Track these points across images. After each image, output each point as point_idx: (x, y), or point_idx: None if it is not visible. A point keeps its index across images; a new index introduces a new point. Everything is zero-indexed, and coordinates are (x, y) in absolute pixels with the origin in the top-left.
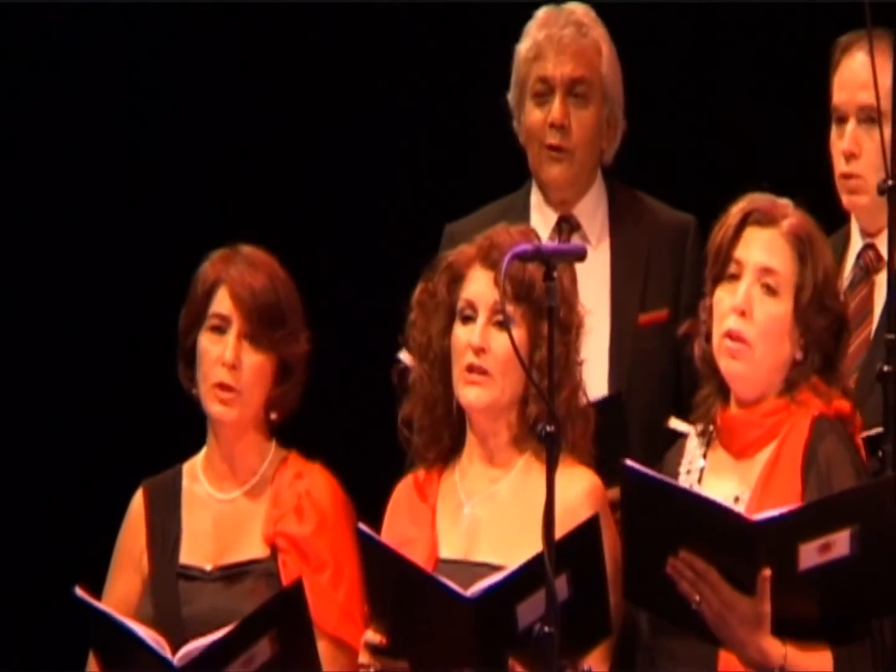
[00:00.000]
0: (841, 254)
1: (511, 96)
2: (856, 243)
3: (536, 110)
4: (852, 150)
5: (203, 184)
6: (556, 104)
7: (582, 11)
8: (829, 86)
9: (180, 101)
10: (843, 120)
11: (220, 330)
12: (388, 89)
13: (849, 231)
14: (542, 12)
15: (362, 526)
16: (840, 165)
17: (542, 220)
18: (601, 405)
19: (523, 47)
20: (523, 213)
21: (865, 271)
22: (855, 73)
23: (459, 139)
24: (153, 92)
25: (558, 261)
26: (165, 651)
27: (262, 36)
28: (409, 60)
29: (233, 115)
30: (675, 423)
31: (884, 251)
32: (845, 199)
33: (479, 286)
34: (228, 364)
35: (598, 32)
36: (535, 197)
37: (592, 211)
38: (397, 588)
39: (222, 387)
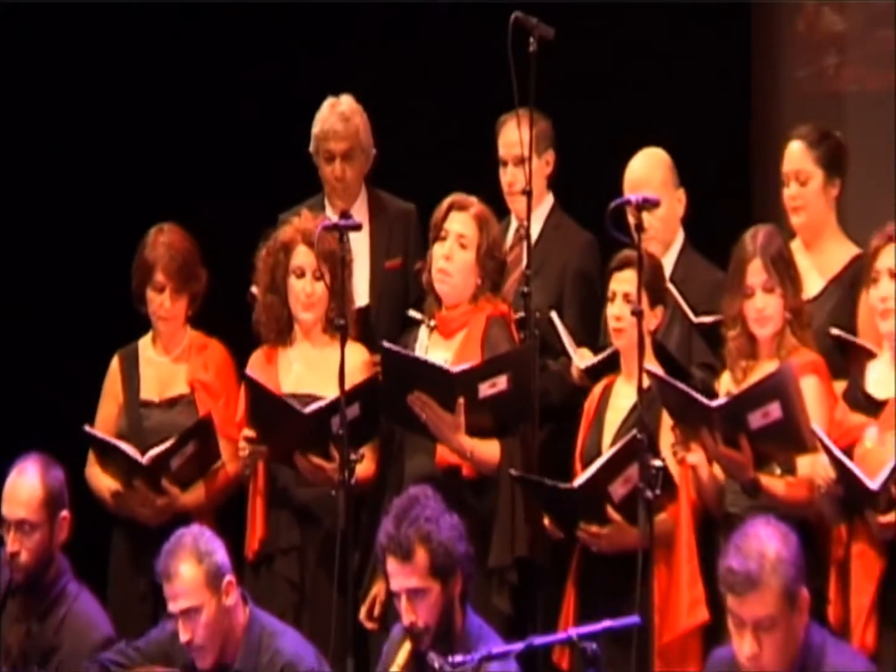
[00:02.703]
0: (506, 228)
1: (312, 151)
2: (514, 224)
3: (327, 166)
4: (512, 182)
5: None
6: (337, 166)
7: (348, 107)
8: (496, 143)
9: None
10: (504, 164)
11: (158, 290)
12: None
13: (510, 218)
14: (326, 108)
15: (248, 372)
16: (505, 188)
17: (331, 214)
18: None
19: (315, 131)
20: (322, 210)
21: (519, 239)
22: (509, 137)
23: (291, 163)
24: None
25: (346, 230)
26: (138, 455)
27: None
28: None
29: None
30: (413, 313)
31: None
32: (510, 205)
33: (302, 258)
34: (165, 308)
35: (358, 117)
36: (327, 201)
37: (359, 207)
38: (265, 406)
39: (161, 317)
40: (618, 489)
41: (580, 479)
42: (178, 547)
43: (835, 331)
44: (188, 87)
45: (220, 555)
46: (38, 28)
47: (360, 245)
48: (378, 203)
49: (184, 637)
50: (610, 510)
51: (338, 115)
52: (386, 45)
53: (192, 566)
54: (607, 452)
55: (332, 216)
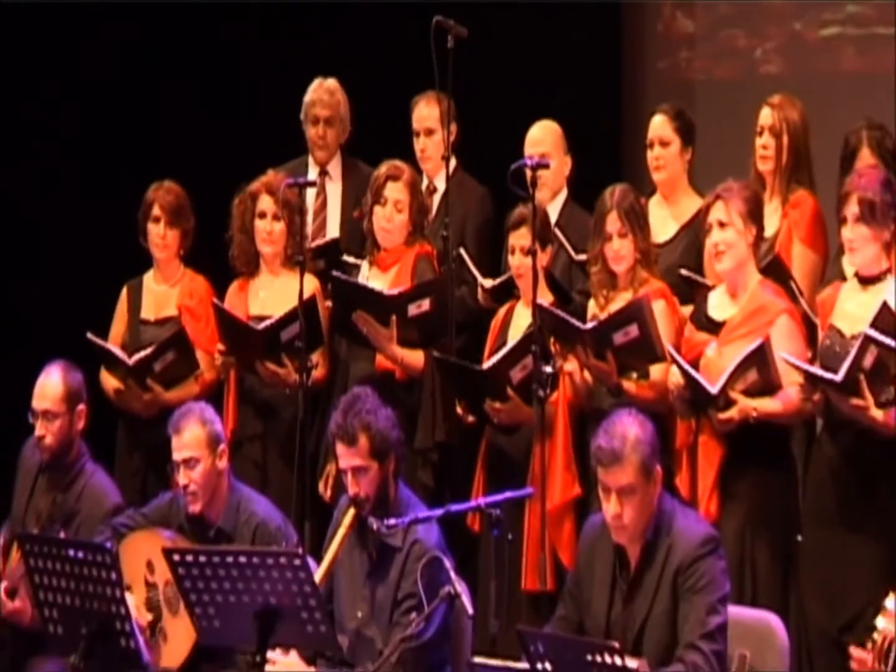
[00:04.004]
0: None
1: (302, 118)
2: (425, 181)
3: (312, 128)
4: (423, 148)
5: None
6: (320, 128)
7: (333, 85)
8: (410, 115)
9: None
10: (417, 134)
11: (155, 221)
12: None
13: (422, 176)
14: (315, 83)
15: (216, 301)
16: (418, 153)
17: (313, 169)
18: (331, 245)
19: (306, 100)
20: (305, 166)
21: (428, 193)
22: (421, 112)
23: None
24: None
25: (305, 186)
26: (126, 357)
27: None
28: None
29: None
30: (346, 258)
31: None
32: (421, 166)
33: (265, 203)
34: (161, 237)
35: (339, 94)
36: (311, 158)
37: (335, 166)
38: (229, 326)
39: (157, 244)
40: (516, 374)
41: (488, 363)
42: (188, 411)
43: (684, 271)
44: (193, 68)
45: (219, 427)
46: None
47: (333, 197)
48: (351, 166)
49: (182, 481)
50: (510, 390)
51: (325, 88)
52: (351, 42)
53: (196, 426)
54: (509, 344)
55: (313, 172)
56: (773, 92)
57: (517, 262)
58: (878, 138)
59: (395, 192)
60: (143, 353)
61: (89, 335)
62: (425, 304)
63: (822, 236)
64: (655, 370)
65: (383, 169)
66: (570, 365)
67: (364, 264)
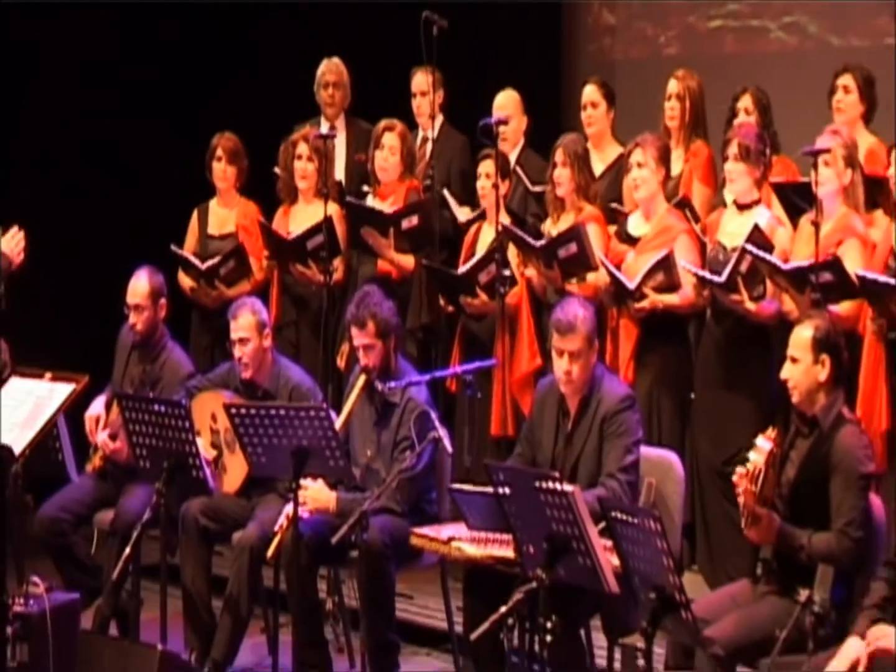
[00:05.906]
0: (416, 135)
1: (315, 88)
2: (420, 133)
3: (324, 91)
4: (419, 106)
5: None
6: (330, 90)
7: (337, 60)
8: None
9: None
10: (415, 96)
11: (218, 159)
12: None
13: (418, 130)
14: (325, 60)
15: (261, 220)
16: (415, 110)
17: (324, 125)
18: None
19: (318, 72)
20: (318, 124)
21: (423, 141)
22: (418, 79)
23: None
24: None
25: (328, 138)
26: (200, 263)
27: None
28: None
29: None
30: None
31: (429, 135)
32: (418, 121)
33: (302, 149)
34: (223, 172)
35: (343, 66)
36: (322, 118)
37: (340, 123)
38: (271, 239)
39: (219, 177)
40: (483, 277)
41: (462, 269)
42: (242, 303)
43: (614, 205)
44: (245, 54)
45: (266, 315)
46: None
47: (340, 146)
48: (353, 124)
49: (237, 354)
50: (478, 290)
51: (332, 62)
52: (358, 32)
53: (249, 313)
54: (477, 255)
55: (324, 128)
56: (673, 69)
57: (482, 184)
58: (758, 95)
59: (391, 139)
60: (211, 262)
61: (173, 247)
62: (414, 220)
63: (714, 176)
64: (590, 276)
65: (382, 124)
66: (530, 271)
67: (369, 196)
